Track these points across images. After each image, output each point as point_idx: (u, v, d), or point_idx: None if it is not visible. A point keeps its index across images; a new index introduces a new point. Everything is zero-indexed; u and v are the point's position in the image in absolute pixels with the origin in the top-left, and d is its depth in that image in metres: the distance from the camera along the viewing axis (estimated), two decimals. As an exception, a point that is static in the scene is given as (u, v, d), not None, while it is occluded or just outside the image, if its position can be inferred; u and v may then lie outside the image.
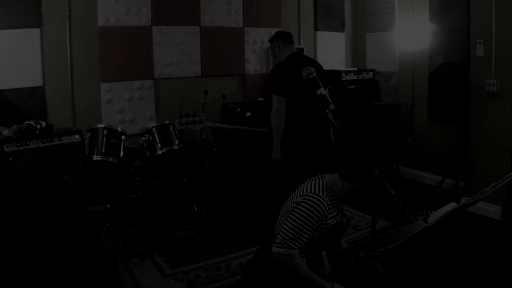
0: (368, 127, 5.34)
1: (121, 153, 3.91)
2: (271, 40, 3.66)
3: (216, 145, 4.58)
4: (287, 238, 2.11)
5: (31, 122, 3.79)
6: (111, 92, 4.56)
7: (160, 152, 4.11)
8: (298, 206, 2.15)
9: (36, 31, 4.12)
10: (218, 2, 5.13)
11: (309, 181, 2.30)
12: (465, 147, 4.46)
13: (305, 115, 3.30)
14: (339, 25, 6.16)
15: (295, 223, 2.12)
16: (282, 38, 3.57)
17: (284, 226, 2.15)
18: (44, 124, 3.86)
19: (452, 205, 2.14)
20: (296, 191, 2.30)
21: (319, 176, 2.31)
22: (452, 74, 4.78)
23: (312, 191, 2.18)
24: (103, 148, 3.79)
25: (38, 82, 4.18)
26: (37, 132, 3.74)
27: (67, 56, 4.30)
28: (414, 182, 5.33)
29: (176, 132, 4.30)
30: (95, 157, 3.77)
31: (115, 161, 3.85)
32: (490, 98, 4.04)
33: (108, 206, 3.84)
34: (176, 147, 4.21)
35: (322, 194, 2.17)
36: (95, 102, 4.49)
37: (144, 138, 4.16)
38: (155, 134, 4.15)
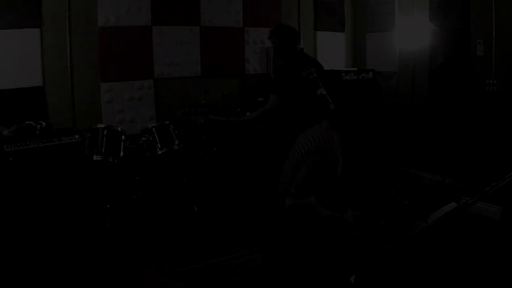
0: (368, 127, 5.33)
1: (121, 153, 3.91)
2: (278, 36, 3.42)
3: (217, 143, 4.58)
4: (299, 188, 2.07)
5: (31, 122, 3.78)
6: (111, 92, 4.56)
7: (160, 152, 4.10)
8: (311, 156, 2.11)
9: (36, 31, 4.12)
10: (218, 2, 5.13)
11: (310, 129, 2.25)
12: (465, 147, 4.46)
13: (306, 115, 3.30)
14: (339, 25, 6.15)
15: (309, 170, 2.08)
16: (295, 37, 3.47)
17: (298, 177, 2.10)
18: (44, 124, 3.86)
19: (452, 205, 2.14)
20: (298, 143, 2.25)
21: (316, 125, 2.27)
22: (452, 74, 4.78)
23: (319, 136, 2.14)
24: (103, 148, 3.78)
25: (38, 82, 4.18)
26: (37, 132, 3.74)
27: (67, 56, 4.30)
28: (414, 182, 5.33)
29: (176, 132, 4.30)
30: (95, 157, 3.77)
31: (115, 161, 3.85)
32: (490, 98, 4.05)
33: (108, 206, 3.84)
34: (176, 147, 4.20)
35: (330, 136, 2.14)
36: (95, 102, 4.49)
37: (144, 138, 4.16)
38: (155, 134, 4.14)
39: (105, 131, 3.84)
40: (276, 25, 3.61)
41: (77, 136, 3.94)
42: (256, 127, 3.60)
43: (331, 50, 6.07)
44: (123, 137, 3.97)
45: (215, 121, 3.32)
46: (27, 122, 3.79)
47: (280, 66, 3.49)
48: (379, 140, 5.23)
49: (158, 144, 4.12)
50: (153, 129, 4.17)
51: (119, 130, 3.95)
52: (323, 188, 2.16)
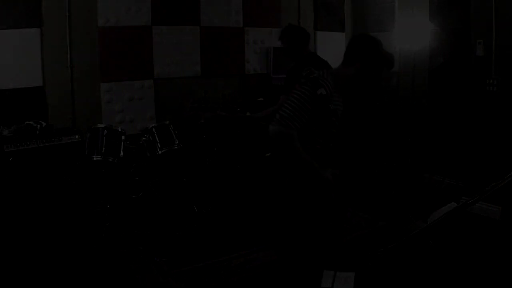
0: (368, 127, 5.33)
1: (121, 153, 3.91)
2: (289, 37, 3.39)
3: (217, 143, 4.57)
4: (286, 115, 2.05)
5: (31, 122, 3.79)
6: (111, 92, 4.56)
7: (160, 152, 4.11)
8: (301, 85, 2.11)
9: (36, 31, 4.12)
10: (218, 2, 5.14)
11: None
12: (465, 147, 4.46)
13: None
14: (339, 25, 6.16)
15: (296, 101, 2.07)
16: (306, 38, 3.42)
17: (285, 104, 2.09)
18: (44, 124, 3.86)
19: (452, 205, 2.14)
20: None
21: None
22: (452, 74, 4.78)
23: (315, 74, 2.14)
24: (103, 148, 3.78)
25: (38, 82, 4.18)
26: (37, 132, 3.74)
27: (67, 56, 4.30)
28: (414, 182, 5.32)
29: (176, 132, 4.30)
30: (95, 157, 3.77)
31: (115, 161, 3.85)
32: (490, 98, 4.05)
33: (108, 206, 3.84)
34: (176, 147, 4.20)
35: (325, 75, 2.13)
36: (95, 102, 4.49)
37: (144, 138, 4.16)
38: (155, 134, 4.14)
39: (105, 131, 3.83)
40: (286, 26, 3.57)
41: (77, 136, 3.94)
42: (262, 124, 3.59)
43: (331, 50, 6.06)
44: (123, 137, 3.97)
45: (223, 117, 3.28)
46: (27, 122, 3.79)
47: (291, 67, 3.49)
48: (379, 139, 5.23)
49: (158, 144, 4.12)
50: (153, 129, 4.17)
51: (119, 130, 3.95)
52: (311, 136, 2.13)
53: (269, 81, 5.46)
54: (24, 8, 4.03)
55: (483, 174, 4.14)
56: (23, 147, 3.62)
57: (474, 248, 3.43)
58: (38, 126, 3.78)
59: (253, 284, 3.04)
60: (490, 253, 3.33)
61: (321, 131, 2.15)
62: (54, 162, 3.75)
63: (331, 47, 6.08)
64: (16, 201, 3.51)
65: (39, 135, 3.73)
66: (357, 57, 2.14)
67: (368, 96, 2.23)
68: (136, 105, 4.71)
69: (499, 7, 3.88)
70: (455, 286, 2.90)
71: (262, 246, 3.44)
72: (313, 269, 2.24)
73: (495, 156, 4.03)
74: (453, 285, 2.91)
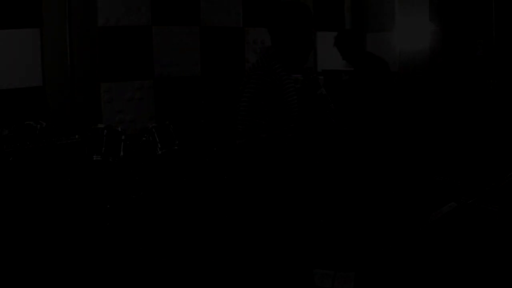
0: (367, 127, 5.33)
1: (121, 153, 3.91)
2: (349, 43, 3.43)
3: (217, 143, 4.57)
4: (246, 127, 1.93)
5: (31, 122, 3.79)
6: (111, 92, 4.56)
7: (160, 152, 4.11)
8: (246, 89, 1.97)
9: (36, 31, 4.12)
10: (218, 2, 5.14)
11: None
12: (465, 147, 4.46)
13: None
14: (339, 25, 6.15)
15: (247, 107, 1.94)
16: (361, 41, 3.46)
17: (240, 114, 1.95)
18: (44, 124, 3.86)
19: (452, 205, 2.14)
20: None
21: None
22: (452, 74, 4.78)
23: (255, 68, 2.05)
24: (103, 148, 3.79)
25: (38, 82, 4.18)
26: (37, 132, 3.74)
27: (67, 56, 4.30)
28: (414, 182, 5.32)
29: (176, 132, 4.30)
30: (95, 157, 3.77)
31: (115, 161, 3.85)
32: (490, 98, 4.05)
33: (108, 206, 3.84)
34: (176, 147, 4.21)
35: (268, 65, 2.05)
36: (95, 102, 4.49)
37: (144, 138, 4.16)
38: (155, 134, 4.15)
39: (105, 131, 3.84)
40: (339, 32, 3.58)
41: (77, 136, 3.94)
42: None
43: (331, 50, 6.06)
44: (123, 137, 3.97)
45: None
46: (27, 122, 3.79)
47: (351, 72, 3.51)
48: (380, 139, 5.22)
49: (158, 144, 4.12)
50: (153, 129, 4.17)
51: (119, 130, 3.95)
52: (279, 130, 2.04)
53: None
54: (24, 8, 4.03)
55: (483, 174, 4.15)
56: (23, 147, 3.62)
57: (473, 248, 3.43)
58: (38, 126, 3.78)
59: (253, 284, 3.04)
60: (490, 253, 3.33)
61: (284, 119, 2.05)
62: (54, 162, 3.75)
63: (331, 47, 6.08)
64: (16, 201, 3.51)
65: (39, 135, 3.72)
66: (275, 34, 2.12)
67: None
68: (136, 105, 4.71)
69: (499, 7, 3.89)
70: (454, 286, 2.90)
71: (262, 246, 3.44)
72: (302, 269, 2.22)
73: (495, 156, 4.03)
74: (452, 285, 2.91)
